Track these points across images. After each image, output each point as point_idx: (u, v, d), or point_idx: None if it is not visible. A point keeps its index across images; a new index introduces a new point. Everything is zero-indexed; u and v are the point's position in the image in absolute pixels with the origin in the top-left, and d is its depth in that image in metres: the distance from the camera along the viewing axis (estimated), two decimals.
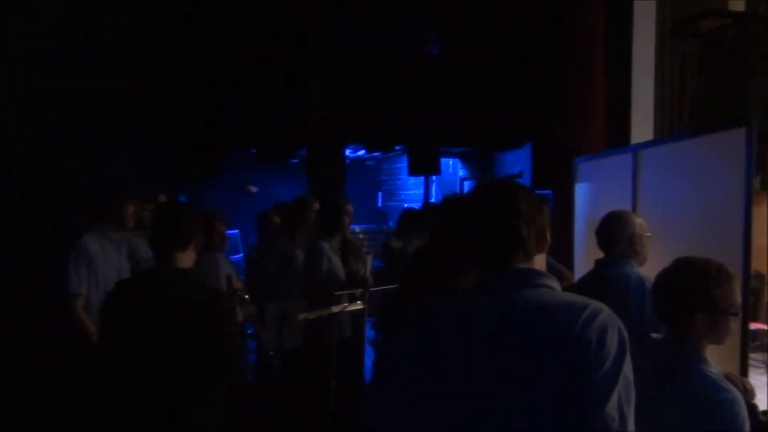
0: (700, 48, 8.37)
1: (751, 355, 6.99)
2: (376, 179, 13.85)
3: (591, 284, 3.03)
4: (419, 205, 12.05)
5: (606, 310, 1.26)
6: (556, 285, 1.35)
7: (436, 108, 8.23)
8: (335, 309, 3.04)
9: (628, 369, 1.22)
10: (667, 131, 8.32)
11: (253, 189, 12.44)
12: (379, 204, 13.65)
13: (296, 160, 11.13)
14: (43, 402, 3.33)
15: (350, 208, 3.92)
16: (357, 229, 10.75)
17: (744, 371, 3.25)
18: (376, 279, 4.49)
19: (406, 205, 12.91)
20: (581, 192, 5.32)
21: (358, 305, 3.21)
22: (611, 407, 1.18)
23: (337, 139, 8.94)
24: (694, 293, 1.86)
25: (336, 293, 3.25)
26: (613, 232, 2.99)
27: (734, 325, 1.93)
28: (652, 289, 2.00)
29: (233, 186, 11.49)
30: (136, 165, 7.14)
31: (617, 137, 7.18)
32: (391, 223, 12.79)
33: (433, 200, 11.85)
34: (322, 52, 7.87)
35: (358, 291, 3.31)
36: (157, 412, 2.07)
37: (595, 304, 1.28)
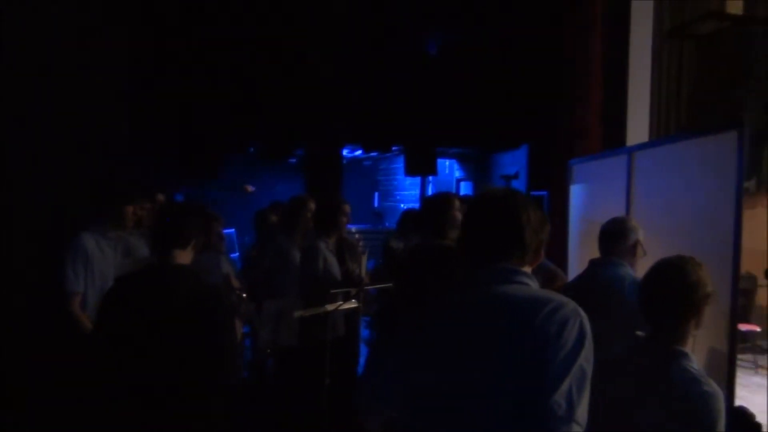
0: (697, 50, 8.42)
1: (742, 356, 7.08)
2: (373, 179, 13.88)
3: (587, 283, 3.07)
4: (417, 205, 12.09)
5: (570, 305, 1.35)
6: (533, 283, 1.44)
7: (433, 109, 8.27)
8: (330, 307, 3.07)
9: (584, 361, 1.30)
10: (663, 133, 8.36)
11: (251, 188, 12.46)
12: (376, 204, 13.68)
13: (294, 160, 11.16)
14: (41, 400, 3.35)
15: (347, 207, 3.95)
16: (353, 228, 10.77)
17: (732, 372, 3.28)
18: (374, 279, 4.53)
19: (402, 206, 12.95)
20: (576, 193, 5.35)
21: (352, 304, 3.24)
22: (560, 395, 1.25)
23: (335, 139, 8.97)
24: (681, 299, 1.91)
25: (331, 292, 3.28)
26: (620, 234, 3.08)
27: (709, 309, 1.98)
28: (639, 290, 2.04)
29: (231, 185, 11.51)
30: (134, 164, 7.17)
31: (613, 139, 7.22)
32: (387, 223, 12.82)
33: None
34: (321, 52, 7.89)
35: (353, 290, 3.33)
36: (152, 405, 2.08)
37: (561, 299, 1.35)
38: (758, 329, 7.16)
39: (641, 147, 4.71)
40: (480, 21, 8.12)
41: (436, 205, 3.16)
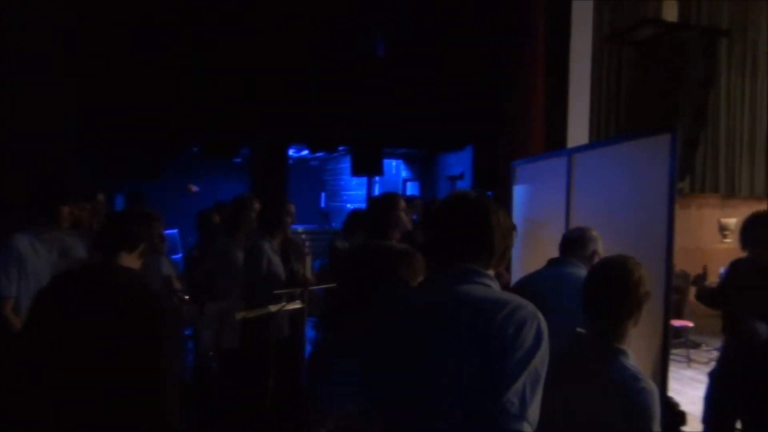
0: (635, 55, 8.70)
1: (675, 351, 7.34)
2: (320, 179, 13.84)
3: (552, 281, 3.11)
4: (363, 205, 12.10)
5: (529, 308, 1.38)
6: (494, 285, 1.46)
7: (380, 109, 8.29)
8: (273, 308, 3.04)
9: (539, 362, 1.33)
10: (603, 134, 8.60)
11: (195, 188, 12.24)
12: (322, 204, 13.63)
13: (239, 160, 11.02)
14: None
15: (292, 207, 3.92)
16: (299, 229, 10.72)
17: (665, 366, 3.40)
18: (320, 279, 4.50)
19: (349, 206, 12.94)
20: (519, 193, 5.45)
21: (296, 304, 3.21)
22: (513, 393, 1.29)
23: (281, 139, 8.90)
24: (623, 297, 1.97)
25: (275, 292, 3.24)
26: (581, 241, 3.20)
27: (647, 306, 2.05)
28: (583, 288, 2.09)
29: (174, 185, 11.28)
30: (75, 163, 6.95)
31: (555, 140, 7.38)
32: (334, 224, 12.79)
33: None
34: (267, 51, 7.81)
35: (298, 290, 3.31)
36: (84, 408, 2.02)
37: (520, 301, 1.38)
38: (691, 325, 7.45)
39: (580, 149, 4.83)
40: (426, 22, 8.18)
41: (380, 206, 3.17)
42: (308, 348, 4.61)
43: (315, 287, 3.50)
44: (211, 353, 3.24)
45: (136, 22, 7.25)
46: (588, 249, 3.18)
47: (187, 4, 7.48)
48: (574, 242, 3.19)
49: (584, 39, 7.69)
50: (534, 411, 1.31)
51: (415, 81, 8.25)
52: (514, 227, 1.57)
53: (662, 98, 8.31)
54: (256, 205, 4.08)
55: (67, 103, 5.16)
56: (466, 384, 1.31)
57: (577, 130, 7.49)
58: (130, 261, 2.29)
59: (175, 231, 10.53)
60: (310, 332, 4.47)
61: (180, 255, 10.24)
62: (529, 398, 1.30)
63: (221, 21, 7.60)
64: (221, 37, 7.60)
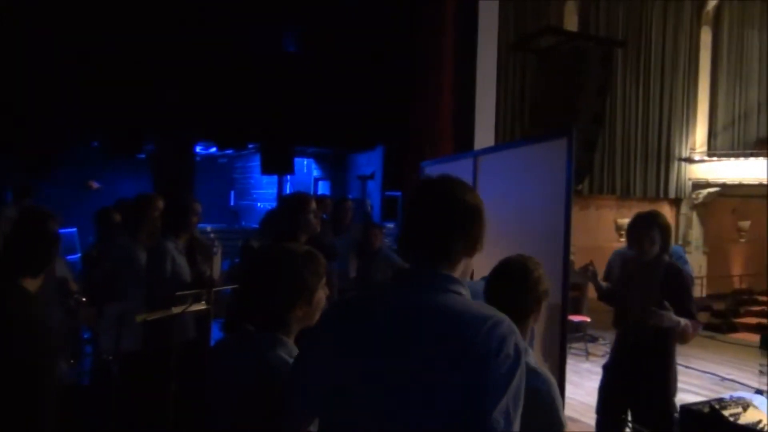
0: (538, 62, 9.06)
1: (574, 345, 7.70)
2: (229, 177, 13.55)
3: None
4: (274, 204, 11.96)
5: (506, 321, 1.32)
6: (465, 292, 1.40)
7: (290, 107, 8.23)
8: (176, 310, 2.97)
9: (520, 377, 1.30)
10: (508, 136, 8.89)
11: (95, 185, 11.69)
12: (232, 203, 13.37)
13: (143, 156, 10.63)
14: None
15: (198, 207, 3.81)
16: (208, 228, 10.46)
17: (563, 359, 3.57)
18: (230, 279, 4.41)
19: (259, 204, 12.76)
20: None
21: (201, 305, 3.15)
22: (499, 412, 1.25)
23: (187, 135, 8.66)
24: (523, 294, 2.05)
25: (178, 294, 3.15)
26: None
27: (546, 303, 2.15)
28: (485, 286, 2.15)
29: (73, 181, 10.73)
30: None
31: (463, 142, 7.57)
32: (243, 222, 12.57)
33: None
34: (174, 44, 7.58)
35: (203, 291, 3.23)
36: None
37: (497, 314, 1.33)
38: (589, 320, 7.84)
39: (485, 151, 5.00)
40: (337, 21, 8.20)
41: (289, 208, 3.15)
42: None
43: (222, 288, 3.43)
44: (110, 357, 3.12)
45: (37, 6, 6.88)
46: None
47: None
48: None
49: (490, 44, 7.92)
50: (517, 425, 1.29)
51: (326, 79, 8.24)
52: (478, 210, 1.45)
53: (563, 103, 8.69)
54: (160, 204, 3.95)
55: None
56: (447, 404, 1.26)
57: (484, 133, 7.70)
58: (32, 284, 2.22)
59: (74, 230, 10.00)
60: (218, 333, 4.37)
61: (78, 255, 9.76)
62: (513, 416, 1.27)
63: (128, 10, 7.32)
64: (126, 26, 7.32)
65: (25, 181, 7.96)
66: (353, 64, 8.31)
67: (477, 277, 3.58)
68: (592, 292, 7.84)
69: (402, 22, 8.01)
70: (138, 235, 3.91)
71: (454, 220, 1.41)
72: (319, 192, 11.63)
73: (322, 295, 1.78)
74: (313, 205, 3.17)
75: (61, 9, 6.98)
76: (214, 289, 3.27)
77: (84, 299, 3.09)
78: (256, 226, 11.81)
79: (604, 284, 4.07)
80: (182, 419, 3.13)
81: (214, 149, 10.94)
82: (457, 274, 1.42)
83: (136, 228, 3.92)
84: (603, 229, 12.57)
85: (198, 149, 10.43)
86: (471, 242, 1.43)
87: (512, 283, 2.06)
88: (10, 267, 2.21)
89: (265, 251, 1.92)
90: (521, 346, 1.31)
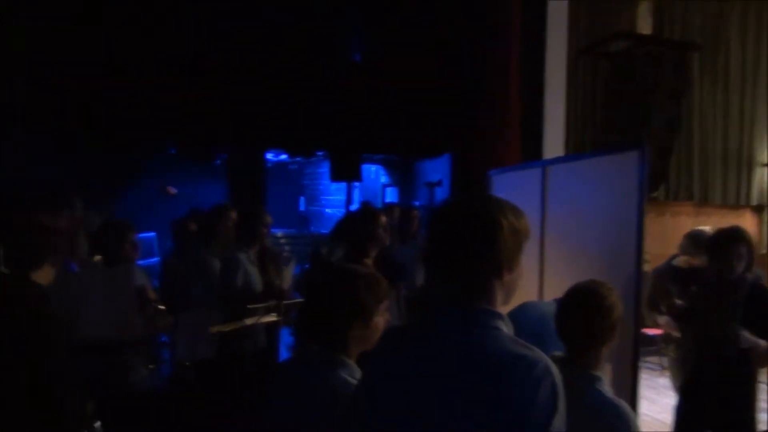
0: (610, 67, 8.85)
1: (648, 359, 7.45)
2: (299, 183, 13.83)
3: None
4: (342, 210, 12.14)
5: (542, 362, 1.26)
6: (504, 326, 1.33)
7: (358, 115, 8.33)
8: (248, 322, 3.07)
9: (558, 422, 1.24)
10: (579, 144, 8.71)
11: (173, 190, 12.17)
12: (302, 208, 13.63)
13: (218, 162, 10.99)
14: None
15: (268, 218, 3.93)
16: (279, 233, 10.73)
17: (635, 374, 3.49)
18: (299, 285, 4.50)
19: (328, 210, 12.97)
20: None
21: (272, 317, 3.24)
22: None
23: (259, 143, 8.91)
24: (597, 323, 1.99)
25: (250, 307, 3.25)
26: None
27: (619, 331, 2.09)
28: (556, 314, 2.10)
29: (152, 187, 11.21)
30: (53, 166, 6.90)
31: (531, 150, 7.48)
32: (313, 228, 12.81)
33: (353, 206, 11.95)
34: (246, 56, 7.82)
35: (274, 303, 3.32)
36: None
37: (533, 355, 1.26)
38: (662, 332, 7.57)
39: (554, 161, 4.94)
40: (404, 31, 8.25)
41: (359, 221, 3.22)
42: (285, 355, 4.63)
43: (291, 302, 3.51)
44: (187, 363, 3.26)
45: (112, 19, 7.22)
46: None
47: (165, 4, 7.47)
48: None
49: (559, 50, 7.81)
50: None
51: (393, 87, 8.30)
52: (527, 225, 1.37)
53: (635, 109, 8.46)
54: (233, 215, 4.09)
55: (35, 103, 5.07)
56: None
57: (553, 141, 7.60)
58: (42, 276, 2.17)
59: (153, 234, 10.46)
60: (288, 338, 4.49)
61: (157, 259, 10.18)
62: None
63: (203, 23, 7.61)
64: (202, 39, 7.61)
65: (107, 188, 8.39)
66: (419, 70, 8.34)
67: (548, 297, 3.55)
68: None
69: (468, 27, 7.98)
70: (212, 245, 4.07)
71: (467, 238, 1.31)
72: (387, 199, 11.71)
73: (381, 319, 1.80)
74: (383, 219, 3.23)
75: (140, 23, 7.29)
76: (284, 302, 3.36)
77: (162, 307, 3.23)
78: (325, 231, 12.03)
79: (678, 302, 3.94)
80: (254, 427, 3.23)
81: (284, 156, 11.18)
82: (495, 300, 1.34)
83: (209, 238, 4.07)
84: (679, 237, 12.06)
85: (269, 156, 10.69)
86: (496, 263, 1.32)
87: (584, 312, 2.00)
88: (17, 260, 2.15)
89: (327, 271, 1.96)
90: (559, 389, 1.26)
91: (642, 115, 8.40)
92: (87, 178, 8.53)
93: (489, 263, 1.32)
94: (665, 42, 8.96)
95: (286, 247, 10.71)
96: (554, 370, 1.27)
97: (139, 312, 3.15)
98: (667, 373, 7.01)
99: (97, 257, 3.29)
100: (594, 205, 4.01)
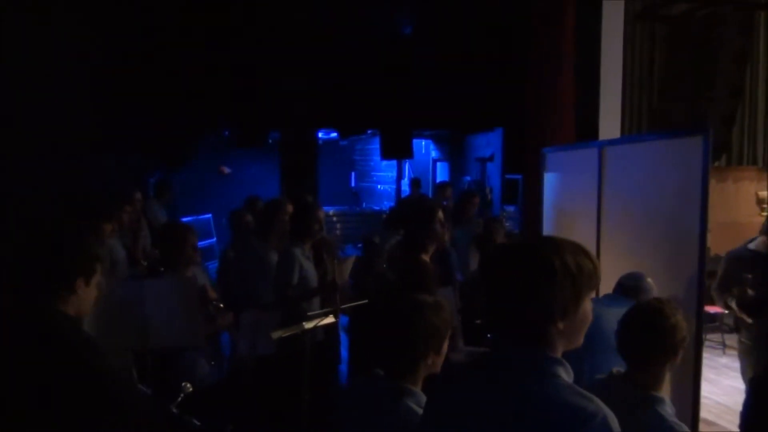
0: (668, 32, 8.48)
1: (709, 336, 7.26)
2: (349, 159, 13.86)
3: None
4: (393, 186, 12.12)
5: (599, 416, 1.23)
6: (564, 373, 1.30)
7: (408, 90, 8.24)
8: (308, 325, 3.12)
9: None
10: (635, 116, 8.44)
11: (226, 170, 12.37)
12: (353, 184, 13.69)
13: (270, 140, 11.10)
14: None
15: (321, 214, 3.96)
16: (331, 211, 10.80)
17: (698, 357, 3.41)
18: (354, 275, 4.53)
19: (379, 186, 12.98)
20: (549, 181, 5.43)
21: (330, 319, 3.28)
22: None
23: (310, 124, 8.94)
24: (660, 343, 1.95)
25: (310, 314, 3.29)
26: (638, 293, 3.08)
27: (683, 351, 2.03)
28: (618, 331, 2.05)
29: (206, 168, 11.41)
30: (110, 149, 7.08)
31: (586, 121, 7.29)
32: (364, 204, 12.85)
33: (405, 181, 11.90)
34: (295, 35, 7.81)
35: (331, 309, 3.34)
36: None
37: (590, 407, 1.24)
38: (726, 311, 7.35)
39: (611, 143, 4.81)
40: (455, 3, 8.08)
41: (416, 217, 3.22)
42: (342, 336, 4.68)
43: (349, 305, 3.54)
44: (248, 360, 3.34)
45: (163, 7, 7.30)
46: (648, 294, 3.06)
47: None
48: (630, 291, 3.08)
49: (616, 18, 7.53)
50: None
51: (443, 60, 8.18)
52: (592, 267, 1.31)
53: (696, 76, 8.12)
54: (289, 209, 4.14)
55: (94, 90, 5.15)
56: None
57: (609, 113, 7.37)
58: (74, 303, 1.79)
59: (209, 216, 10.70)
60: (343, 319, 4.52)
61: (215, 239, 10.42)
62: None
63: (249, 8, 7.62)
64: (249, 22, 7.64)
65: (164, 175, 8.58)
66: (470, 44, 8.18)
67: (605, 284, 3.47)
68: None
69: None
70: (269, 239, 4.14)
71: (518, 286, 1.28)
72: (438, 173, 11.63)
73: (446, 343, 1.83)
74: (441, 215, 3.22)
75: (188, 15, 7.35)
76: (342, 306, 3.38)
77: (222, 305, 3.30)
78: (377, 208, 12.08)
79: (750, 292, 3.78)
80: (312, 422, 3.30)
81: (335, 134, 11.20)
82: (554, 346, 1.31)
83: (266, 232, 4.14)
84: (742, 203, 11.66)
85: (320, 134, 10.72)
86: (549, 311, 1.28)
87: (648, 331, 1.95)
88: (37, 286, 1.76)
89: (398, 303, 1.94)
90: None
91: (704, 81, 8.06)
92: (146, 165, 8.73)
93: (541, 311, 1.29)
94: (727, 2, 8.52)
95: (338, 225, 10.78)
96: (612, 423, 1.23)
97: (200, 310, 3.21)
98: (729, 352, 6.83)
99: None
100: (654, 188, 3.90)
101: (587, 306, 1.33)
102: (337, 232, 10.40)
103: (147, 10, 7.22)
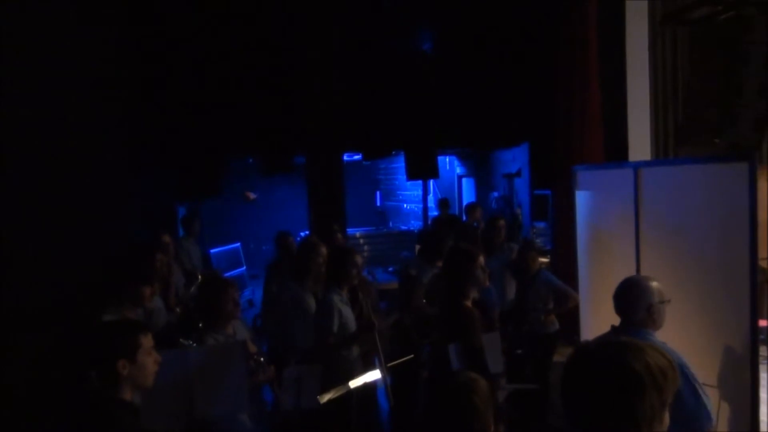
0: (692, 36, 8.32)
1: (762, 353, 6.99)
2: (374, 178, 13.81)
3: None
4: (419, 205, 12.04)
5: None
6: None
7: (431, 109, 8.19)
8: (353, 385, 3.06)
9: None
10: (662, 127, 8.27)
11: (252, 195, 12.40)
12: (378, 203, 13.63)
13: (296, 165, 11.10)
14: None
15: (359, 259, 3.89)
16: (357, 233, 10.77)
17: (755, 366, 3.31)
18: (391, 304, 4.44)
19: (405, 206, 12.91)
20: (582, 199, 5.33)
21: (375, 375, 3.22)
22: None
23: (335, 148, 8.93)
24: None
25: (352, 386, 3.23)
26: (632, 301, 2.75)
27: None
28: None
29: (231, 194, 11.44)
30: (135, 178, 7.11)
31: (614, 133, 7.17)
32: (391, 224, 12.79)
33: (431, 197, 11.80)
34: (317, 61, 7.83)
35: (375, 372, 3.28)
36: None
37: None
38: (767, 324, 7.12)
39: (648, 164, 4.70)
40: (477, 19, 8.02)
41: (457, 261, 3.15)
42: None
43: (394, 363, 3.48)
44: (292, 414, 3.28)
45: (187, 34, 7.34)
46: (643, 304, 2.72)
47: (238, 15, 7.53)
48: (626, 304, 2.76)
49: (640, 26, 7.44)
50: None
51: (467, 77, 8.12)
52: (674, 374, 1.27)
53: (723, 80, 7.95)
54: (323, 251, 4.11)
55: (119, 119, 5.16)
56: None
57: (638, 123, 7.26)
58: (126, 382, 1.87)
59: (238, 245, 10.72)
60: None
61: (244, 268, 10.42)
62: None
63: (271, 32, 7.65)
64: (274, 51, 7.67)
65: (191, 208, 8.61)
66: (493, 59, 8.11)
67: None
68: None
69: (542, 12, 7.69)
70: (305, 281, 4.10)
71: (603, 402, 1.25)
72: (464, 190, 11.54)
73: None
74: (481, 259, 3.16)
75: (213, 33, 7.37)
76: (388, 365, 3.31)
77: (262, 359, 3.25)
78: (404, 227, 12.01)
79: None
80: None
81: (359, 156, 11.19)
82: None
83: (302, 275, 4.10)
84: None
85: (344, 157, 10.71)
86: (635, 426, 1.25)
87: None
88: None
89: (447, 386, 1.91)
90: None
91: (732, 86, 7.89)
92: (175, 193, 8.72)
93: (626, 427, 1.25)
94: (753, 3, 8.34)
95: (365, 247, 10.73)
96: None
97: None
98: None
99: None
100: (698, 214, 3.80)
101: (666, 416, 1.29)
102: (365, 254, 10.36)
103: (161, 35, 7.25)
